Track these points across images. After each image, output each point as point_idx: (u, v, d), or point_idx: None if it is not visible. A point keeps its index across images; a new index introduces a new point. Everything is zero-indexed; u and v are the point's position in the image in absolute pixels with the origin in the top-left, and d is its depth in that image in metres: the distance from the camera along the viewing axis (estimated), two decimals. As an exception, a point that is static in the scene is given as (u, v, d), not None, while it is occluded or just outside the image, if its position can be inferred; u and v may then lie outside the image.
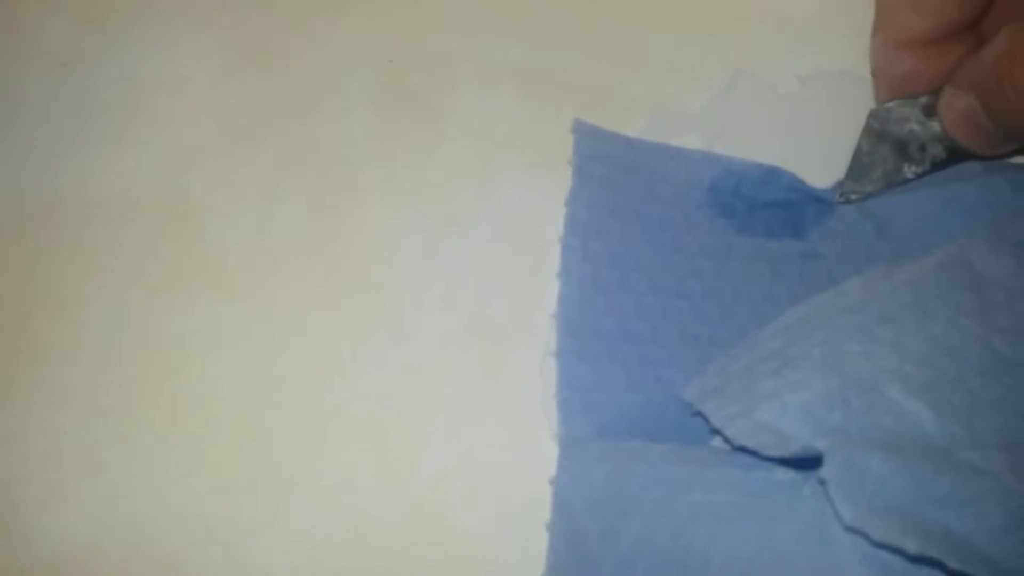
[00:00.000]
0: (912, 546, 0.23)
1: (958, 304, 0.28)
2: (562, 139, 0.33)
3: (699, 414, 0.28)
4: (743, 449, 0.26)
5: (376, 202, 0.33)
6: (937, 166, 0.31)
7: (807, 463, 0.26)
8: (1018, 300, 0.28)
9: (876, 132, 0.31)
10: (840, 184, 0.32)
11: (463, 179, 0.34)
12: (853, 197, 0.32)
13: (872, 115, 0.32)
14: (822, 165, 0.33)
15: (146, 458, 0.30)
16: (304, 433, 0.30)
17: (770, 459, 0.26)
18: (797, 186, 0.33)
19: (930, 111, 0.31)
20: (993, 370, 0.27)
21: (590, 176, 0.32)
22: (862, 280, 0.30)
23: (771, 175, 0.33)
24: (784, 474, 0.26)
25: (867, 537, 0.23)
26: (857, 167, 0.32)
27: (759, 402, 0.27)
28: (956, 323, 0.27)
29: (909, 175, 0.32)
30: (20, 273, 0.33)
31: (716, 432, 0.28)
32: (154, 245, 0.33)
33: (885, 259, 0.31)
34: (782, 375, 0.27)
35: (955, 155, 0.31)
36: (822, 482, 0.24)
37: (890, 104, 0.31)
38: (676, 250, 0.32)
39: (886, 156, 0.32)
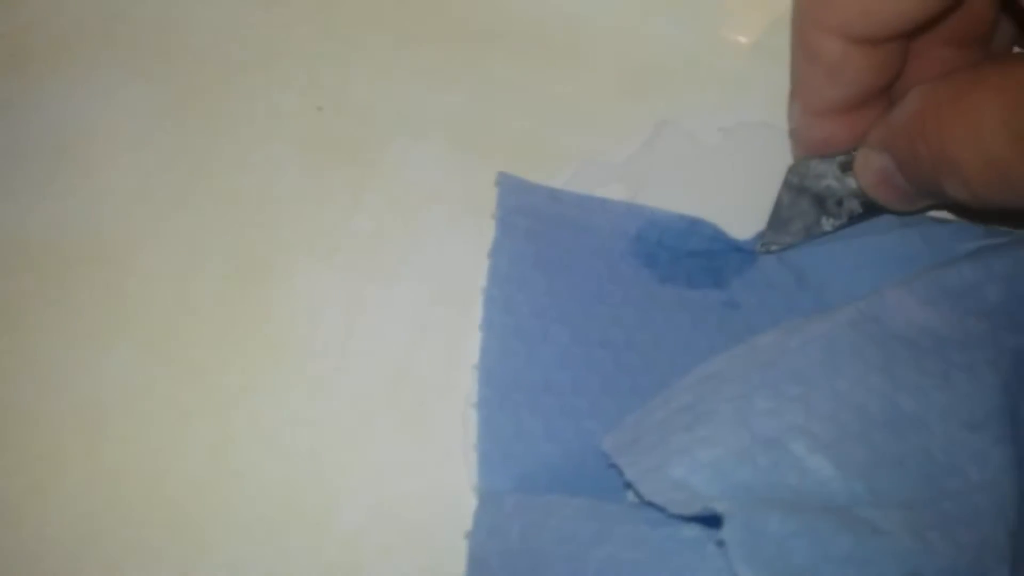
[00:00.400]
0: None
1: (866, 361, 0.28)
2: (488, 191, 0.34)
3: (615, 466, 0.28)
4: (653, 504, 0.27)
5: (301, 255, 0.33)
6: (854, 219, 0.32)
7: (713, 520, 0.26)
8: (925, 357, 0.28)
9: (795, 187, 0.32)
10: (761, 235, 0.33)
11: (389, 231, 0.34)
12: (773, 248, 0.33)
13: (791, 170, 0.32)
14: (744, 216, 0.34)
15: (59, 518, 0.30)
16: (218, 492, 0.30)
17: (678, 516, 0.26)
18: (719, 237, 0.33)
19: (846, 168, 0.31)
20: (895, 427, 0.27)
21: (513, 228, 0.33)
22: (775, 335, 0.30)
23: (694, 226, 0.33)
24: (690, 531, 0.26)
25: None
26: (777, 219, 0.33)
27: (671, 457, 0.27)
28: (863, 380, 0.28)
29: (827, 228, 0.32)
30: None
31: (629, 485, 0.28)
32: (73, 296, 0.33)
33: (804, 309, 0.32)
34: (694, 430, 0.28)
35: (871, 209, 0.32)
36: (720, 544, 0.24)
37: (808, 160, 0.32)
38: (599, 300, 0.32)
39: (805, 209, 0.32)
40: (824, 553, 0.24)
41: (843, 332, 0.29)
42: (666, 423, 0.29)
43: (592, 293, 0.32)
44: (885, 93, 0.30)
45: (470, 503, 0.29)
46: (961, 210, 0.33)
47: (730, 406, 0.28)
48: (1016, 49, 0.33)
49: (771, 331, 0.30)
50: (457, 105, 0.36)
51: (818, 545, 0.24)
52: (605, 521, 0.27)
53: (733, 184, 0.34)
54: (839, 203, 0.32)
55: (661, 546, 0.26)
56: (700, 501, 0.26)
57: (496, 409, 0.30)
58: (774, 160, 0.33)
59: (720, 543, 0.24)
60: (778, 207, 0.32)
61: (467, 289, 0.33)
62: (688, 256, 0.33)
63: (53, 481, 0.30)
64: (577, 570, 0.26)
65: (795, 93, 0.31)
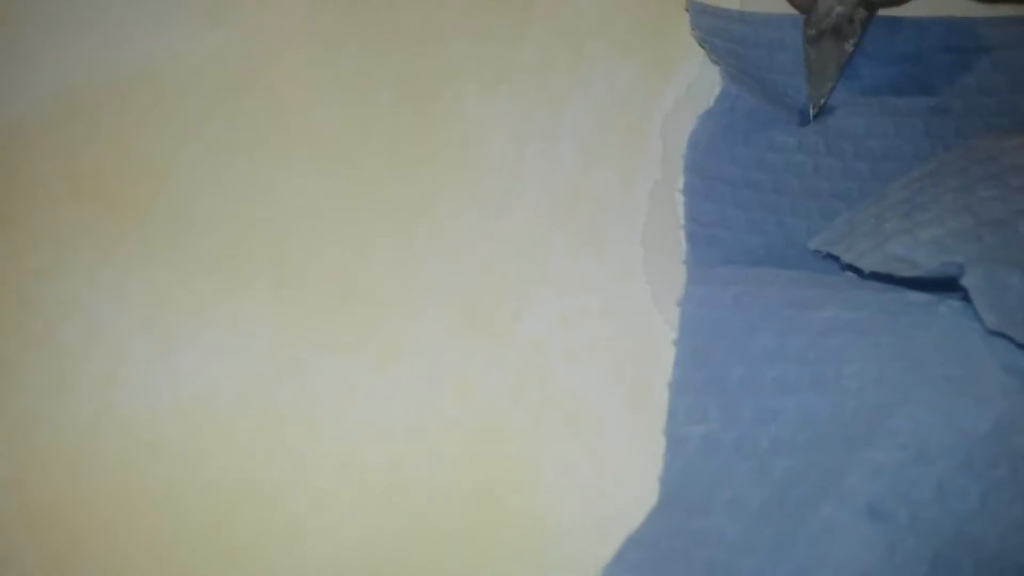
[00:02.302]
0: None
1: None
2: (650, 24, 0.34)
3: (828, 257, 0.28)
4: (875, 276, 0.26)
5: (469, 82, 0.33)
6: (865, 26, 0.32)
7: (940, 287, 0.25)
8: None
9: (814, 37, 0.32)
10: (809, 99, 0.32)
11: (554, 60, 0.34)
12: (822, 101, 0.32)
13: (806, 25, 0.32)
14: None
15: (251, 315, 0.30)
16: (402, 294, 0.30)
17: (903, 283, 0.26)
18: (928, 32, 0.32)
19: None
20: None
21: (713, 47, 0.33)
22: (991, 137, 0.29)
23: (897, 26, 0.32)
24: (917, 296, 0.26)
25: (1011, 340, 0.23)
26: (813, 74, 0.32)
27: (891, 237, 0.27)
28: (1090, 171, 0.27)
29: (850, 49, 0.32)
30: (121, 140, 0.33)
31: (846, 269, 0.28)
32: (250, 116, 0.33)
33: (1018, 112, 0.31)
34: (912, 217, 0.27)
35: (872, 7, 0.32)
36: (963, 290, 0.24)
37: (814, 8, 0.32)
38: (799, 110, 0.32)
39: (830, 49, 0.32)
40: None
41: (1066, 131, 0.28)
42: (881, 215, 0.28)
43: (792, 106, 0.32)
44: None
45: (650, 317, 0.29)
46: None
47: (951, 195, 0.27)
48: None
49: (984, 136, 0.29)
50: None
51: None
52: (826, 287, 0.27)
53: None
54: (851, 21, 0.32)
55: (889, 307, 0.26)
56: (926, 267, 0.25)
57: (701, 196, 0.31)
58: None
59: (963, 290, 0.24)
60: (809, 64, 0.32)
61: (636, 116, 0.32)
62: (893, 62, 0.32)
63: (244, 283, 0.30)
64: (798, 328, 0.26)
65: None
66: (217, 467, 0.28)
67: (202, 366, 0.29)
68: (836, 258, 0.28)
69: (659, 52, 0.33)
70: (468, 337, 0.29)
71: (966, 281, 0.24)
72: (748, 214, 0.30)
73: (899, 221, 0.27)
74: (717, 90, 0.33)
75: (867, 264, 0.26)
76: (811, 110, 0.32)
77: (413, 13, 0.34)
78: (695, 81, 0.33)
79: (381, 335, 0.29)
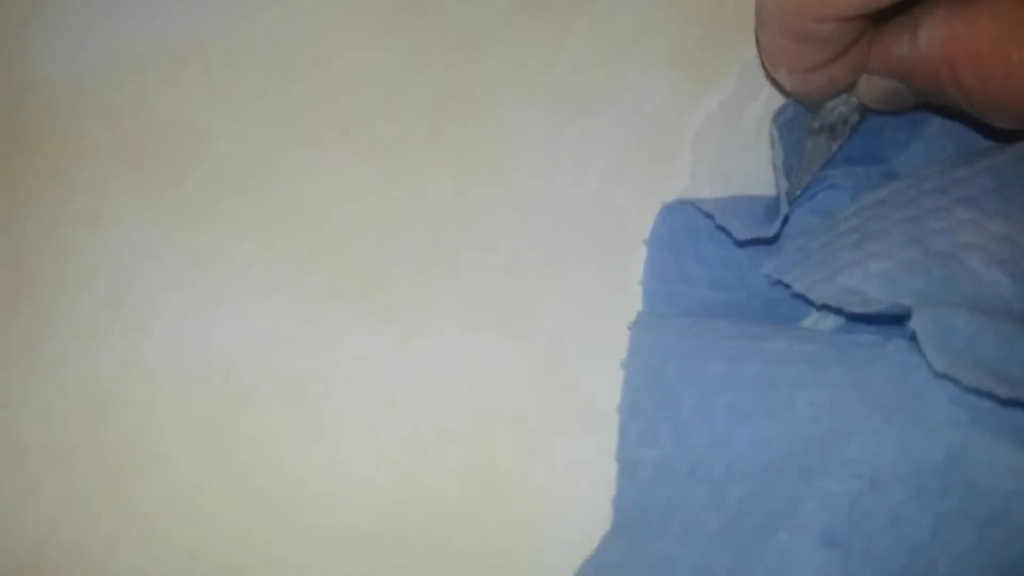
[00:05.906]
0: (1004, 391, 0.23)
1: None
2: (684, 43, 0.35)
3: (779, 283, 0.29)
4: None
5: (504, 89, 0.34)
6: (854, 130, 0.32)
7: (889, 327, 0.26)
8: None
9: (817, 129, 0.32)
10: (785, 189, 0.32)
11: (590, 73, 0.35)
12: (797, 192, 0.32)
13: (814, 118, 0.32)
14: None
15: (281, 287, 0.31)
16: (426, 282, 0.31)
17: (853, 322, 0.27)
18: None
19: (850, 90, 0.32)
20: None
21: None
22: (940, 167, 0.30)
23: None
24: (866, 336, 0.26)
25: (957, 383, 0.24)
26: (803, 167, 0.32)
27: (842, 269, 0.27)
28: (1036, 207, 0.28)
29: (835, 149, 0.32)
30: (167, 107, 0.34)
31: (797, 297, 0.29)
32: (296, 96, 0.34)
33: (961, 183, 0.30)
34: (862, 247, 0.28)
35: (864, 117, 0.32)
36: (911, 336, 0.24)
37: (824, 103, 0.32)
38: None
39: (822, 145, 0.32)
40: (1010, 350, 0.24)
41: (1012, 163, 0.29)
42: (832, 244, 0.29)
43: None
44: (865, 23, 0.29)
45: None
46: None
47: (900, 227, 0.28)
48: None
49: (935, 164, 0.30)
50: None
51: (1004, 343, 0.24)
52: (776, 326, 0.28)
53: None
54: (845, 122, 0.32)
55: (840, 343, 0.26)
56: (879, 302, 0.26)
57: (665, 249, 0.31)
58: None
59: (910, 336, 0.24)
60: (806, 154, 0.32)
61: (664, 132, 0.34)
62: (851, 128, 0.32)
63: (278, 252, 0.32)
64: (751, 356, 0.27)
65: (777, 64, 0.30)
66: (236, 427, 0.29)
67: (230, 329, 0.31)
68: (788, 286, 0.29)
69: (693, 70, 0.34)
70: (485, 326, 0.31)
71: (914, 324, 0.24)
72: (710, 270, 0.31)
73: (850, 252, 0.28)
74: (750, 108, 0.33)
75: (818, 295, 0.27)
76: (785, 201, 0.31)
77: (461, 14, 0.36)
78: (728, 99, 0.34)
79: (403, 316, 0.31)
